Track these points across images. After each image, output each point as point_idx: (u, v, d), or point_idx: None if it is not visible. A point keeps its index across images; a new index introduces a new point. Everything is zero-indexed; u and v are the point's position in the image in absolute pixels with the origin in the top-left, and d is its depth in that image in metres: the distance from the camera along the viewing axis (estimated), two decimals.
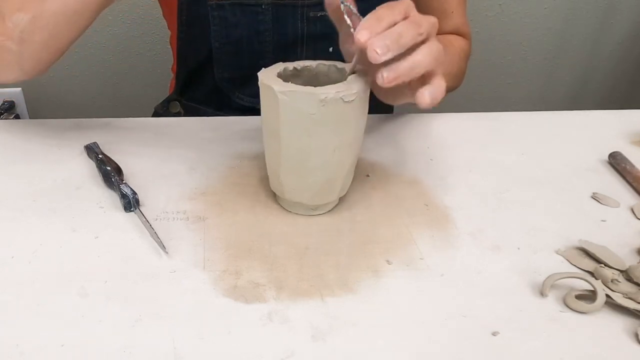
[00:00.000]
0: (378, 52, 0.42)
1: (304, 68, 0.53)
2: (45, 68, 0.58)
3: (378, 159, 0.63)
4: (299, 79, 0.53)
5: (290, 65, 0.52)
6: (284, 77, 0.51)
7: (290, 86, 0.47)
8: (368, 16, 0.45)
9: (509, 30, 1.64)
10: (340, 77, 0.52)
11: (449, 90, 0.71)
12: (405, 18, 0.45)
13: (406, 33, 0.43)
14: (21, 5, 0.52)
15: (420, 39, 0.44)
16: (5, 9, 0.52)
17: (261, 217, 0.54)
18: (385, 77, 0.43)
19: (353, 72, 0.49)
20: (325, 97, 0.46)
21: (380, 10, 0.45)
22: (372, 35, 0.42)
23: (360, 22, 0.44)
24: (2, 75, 0.58)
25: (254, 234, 0.51)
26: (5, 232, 0.51)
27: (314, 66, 0.53)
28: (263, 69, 0.50)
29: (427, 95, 0.45)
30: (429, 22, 0.46)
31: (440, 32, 0.78)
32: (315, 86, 0.47)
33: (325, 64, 0.53)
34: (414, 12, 0.46)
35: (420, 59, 0.44)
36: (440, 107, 0.74)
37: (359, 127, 0.50)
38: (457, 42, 0.78)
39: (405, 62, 0.43)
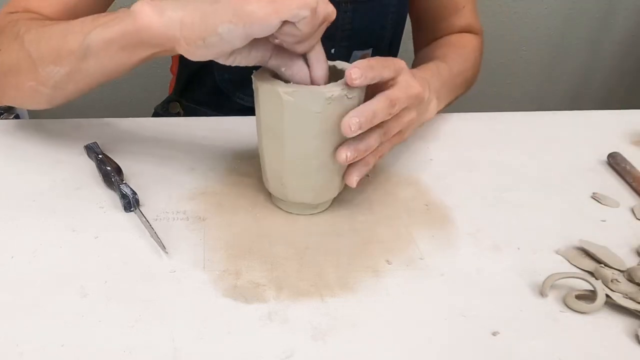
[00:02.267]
0: (352, 128, 0.46)
1: None
2: (70, 100, 0.60)
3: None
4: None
5: None
6: (277, 77, 0.50)
7: (294, 86, 0.47)
8: (361, 60, 0.48)
9: (508, 30, 1.64)
10: (331, 76, 0.52)
11: (461, 94, 0.75)
12: (392, 78, 0.50)
13: (380, 112, 0.48)
14: (56, 60, 0.52)
15: (389, 117, 0.49)
16: (38, 60, 0.53)
17: (261, 217, 0.54)
18: (349, 158, 0.48)
19: None
20: (332, 95, 0.46)
21: (374, 61, 0.49)
22: (362, 75, 0.46)
23: (354, 63, 0.47)
24: (29, 106, 0.60)
25: (254, 234, 0.51)
26: (5, 232, 0.50)
27: None
28: (254, 71, 0.50)
29: (352, 177, 0.51)
30: (406, 96, 0.50)
31: (452, 28, 0.81)
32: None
33: None
34: (401, 77, 0.51)
35: (372, 144, 0.50)
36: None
37: None
38: (471, 44, 0.80)
39: (361, 145, 0.49)
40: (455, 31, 0.81)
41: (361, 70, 0.46)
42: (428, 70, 0.65)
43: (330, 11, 0.45)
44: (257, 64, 0.48)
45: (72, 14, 0.58)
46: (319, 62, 0.48)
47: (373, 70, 0.47)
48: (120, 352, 0.40)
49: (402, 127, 0.53)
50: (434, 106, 0.64)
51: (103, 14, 0.52)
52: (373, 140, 0.49)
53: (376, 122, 0.48)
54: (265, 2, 0.42)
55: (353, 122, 0.46)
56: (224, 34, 0.43)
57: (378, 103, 0.48)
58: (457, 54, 0.75)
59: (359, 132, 0.47)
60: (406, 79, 0.51)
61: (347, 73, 0.46)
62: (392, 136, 0.52)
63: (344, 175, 0.52)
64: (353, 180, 0.51)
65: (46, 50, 0.53)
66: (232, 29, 0.42)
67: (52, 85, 0.54)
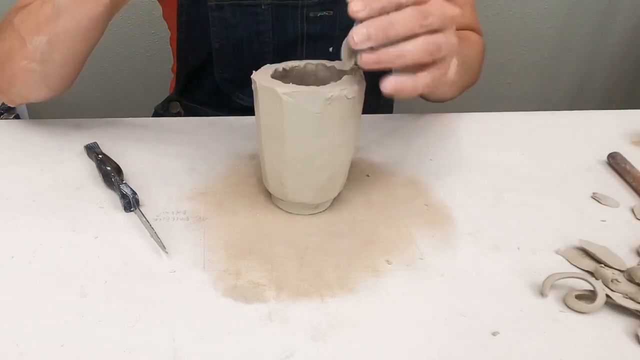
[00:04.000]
0: (355, 39, 0.40)
1: (293, 68, 0.53)
2: (69, 83, 0.62)
3: (378, 159, 0.63)
4: (287, 79, 0.52)
5: (280, 67, 0.52)
6: (276, 78, 0.50)
7: (293, 87, 0.47)
8: None
9: (508, 30, 1.64)
10: (328, 75, 0.52)
11: (467, 86, 0.72)
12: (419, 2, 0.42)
13: (401, 23, 0.40)
14: (37, 30, 0.56)
15: (422, 30, 0.41)
16: (25, 34, 0.57)
17: (261, 217, 0.54)
18: (364, 58, 0.41)
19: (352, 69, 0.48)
20: (331, 96, 0.46)
21: None
22: (366, 6, 0.40)
23: None
24: (31, 95, 0.62)
25: (254, 234, 0.51)
26: (5, 232, 0.51)
27: (302, 66, 0.53)
28: (254, 72, 0.50)
29: (388, 82, 0.43)
30: (441, 13, 0.42)
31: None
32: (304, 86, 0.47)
33: (313, 63, 0.53)
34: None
35: (410, 49, 0.41)
36: (441, 107, 0.74)
37: (358, 122, 0.51)
38: (475, 38, 0.79)
39: (391, 49, 0.41)
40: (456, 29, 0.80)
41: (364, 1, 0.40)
42: None
43: None
44: None
45: None
46: None
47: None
48: (120, 352, 0.40)
49: (443, 29, 0.43)
50: (454, 66, 0.57)
51: None
52: (413, 45, 0.41)
53: (394, 34, 0.40)
54: None
55: (358, 32, 0.39)
56: None
57: (400, 14, 0.40)
58: (463, 42, 0.70)
59: (367, 44, 0.40)
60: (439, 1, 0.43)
61: (349, 6, 0.40)
62: (433, 63, 0.43)
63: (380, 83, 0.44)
64: (388, 85, 0.42)
65: (30, 24, 0.57)
66: None
67: (39, 58, 0.57)
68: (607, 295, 0.44)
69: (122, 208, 0.53)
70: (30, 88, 0.61)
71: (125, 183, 0.54)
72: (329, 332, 0.42)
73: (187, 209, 0.54)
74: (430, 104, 0.72)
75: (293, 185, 0.51)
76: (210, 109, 0.82)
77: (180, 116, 0.86)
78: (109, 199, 0.55)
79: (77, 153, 0.62)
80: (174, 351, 0.40)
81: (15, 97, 0.63)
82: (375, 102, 0.89)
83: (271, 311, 0.43)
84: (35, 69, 0.58)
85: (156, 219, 0.52)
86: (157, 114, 0.89)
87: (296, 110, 0.47)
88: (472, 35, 0.79)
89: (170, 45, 0.86)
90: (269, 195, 0.56)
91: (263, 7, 0.71)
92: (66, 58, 0.58)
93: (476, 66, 0.76)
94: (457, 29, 0.80)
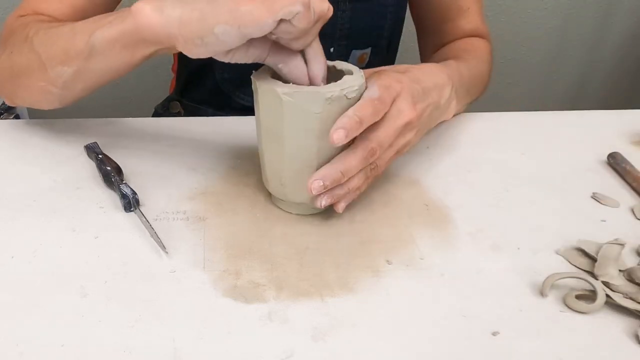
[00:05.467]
0: (313, 192, 0.48)
1: None
2: (80, 99, 0.61)
3: None
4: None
5: None
6: (276, 78, 0.50)
7: (293, 87, 0.47)
8: (351, 114, 0.47)
9: (508, 30, 1.64)
10: (331, 76, 0.52)
11: (475, 99, 0.74)
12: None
13: (357, 168, 0.49)
14: (64, 60, 0.53)
15: (369, 166, 0.50)
16: (47, 62, 0.54)
17: (261, 216, 0.54)
18: (324, 204, 0.49)
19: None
20: (331, 96, 0.46)
21: (366, 109, 0.48)
22: (347, 135, 0.46)
23: (340, 121, 0.47)
24: (40, 105, 0.61)
25: (254, 234, 0.51)
26: (5, 232, 0.51)
27: None
28: (254, 71, 0.50)
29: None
30: (392, 133, 0.50)
31: (458, 31, 0.80)
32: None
33: None
34: (393, 105, 0.50)
35: (355, 185, 0.50)
36: None
37: None
38: (483, 46, 0.79)
39: (341, 190, 0.49)
40: (462, 35, 0.80)
41: (347, 130, 0.46)
42: (450, 67, 0.64)
43: (326, 8, 0.44)
44: (255, 61, 0.47)
45: (80, 16, 0.59)
46: (317, 60, 0.48)
47: (362, 125, 0.47)
48: (120, 352, 0.40)
49: (397, 150, 0.53)
50: (453, 107, 0.63)
51: (107, 14, 0.53)
52: (356, 180, 0.50)
53: (355, 172, 0.49)
54: (259, 1, 0.42)
55: (316, 185, 0.47)
56: (219, 35, 0.43)
57: (355, 157, 0.48)
58: (472, 56, 0.73)
59: (332, 185, 0.48)
60: (398, 107, 0.51)
61: (330, 134, 0.46)
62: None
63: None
64: (321, 203, 0.50)
65: (54, 51, 0.54)
66: (228, 30, 0.43)
67: (62, 85, 0.55)
68: (607, 295, 0.44)
69: (122, 208, 0.53)
70: (42, 102, 0.60)
71: (125, 183, 0.54)
72: (329, 332, 0.42)
73: (187, 209, 0.54)
74: None
75: (293, 185, 0.51)
76: (211, 109, 0.82)
77: (180, 116, 0.86)
78: (109, 199, 0.55)
79: (77, 153, 0.62)
80: (174, 351, 0.40)
81: (20, 102, 0.62)
82: None
83: (271, 311, 0.43)
84: (53, 92, 0.56)
85: (156, 219, 0.52)
86: (157, 114, 0.90)
87: (296, 110, 0.47)
88: (481, 45, 0.79)
89: None
90: (269, 195, 0.56)
91: None
92: (88, 88, 0.57)
93: (484, 78, 0.76)
94: (463, 37, 0.79)
